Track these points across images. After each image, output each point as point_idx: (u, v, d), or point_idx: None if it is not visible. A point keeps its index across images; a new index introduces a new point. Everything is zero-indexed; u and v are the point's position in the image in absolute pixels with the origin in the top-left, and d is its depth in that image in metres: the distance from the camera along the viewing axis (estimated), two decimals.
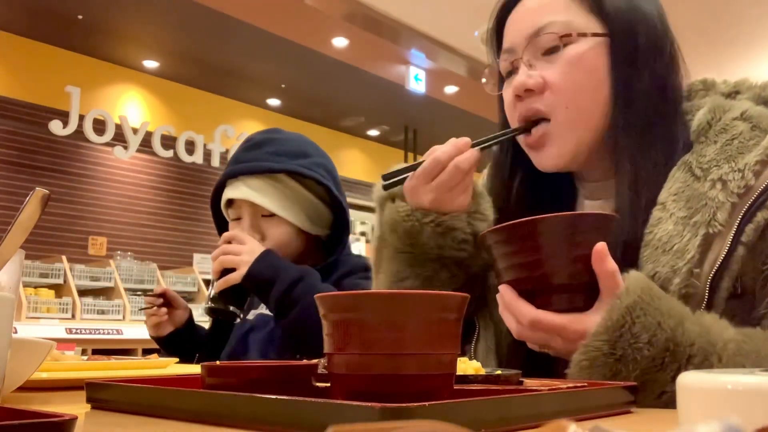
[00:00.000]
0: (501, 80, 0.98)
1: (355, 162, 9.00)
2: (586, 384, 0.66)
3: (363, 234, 8.15)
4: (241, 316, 1.52)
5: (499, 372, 0.72)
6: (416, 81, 6.92)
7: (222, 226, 1.66)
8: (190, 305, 1.80)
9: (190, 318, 1.74)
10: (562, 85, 0.88)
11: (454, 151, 0.88)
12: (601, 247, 0.72)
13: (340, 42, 6.26)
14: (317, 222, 1.59)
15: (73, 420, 0.41)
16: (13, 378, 0.68)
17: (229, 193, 1.56)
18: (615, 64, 0.87)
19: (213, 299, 1.47)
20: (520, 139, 0.94)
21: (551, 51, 0.89)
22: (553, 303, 0.74)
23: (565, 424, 0.25)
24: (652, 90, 0.88)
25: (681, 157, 0.85)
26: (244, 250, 1.44)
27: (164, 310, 1.69)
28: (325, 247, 1.62)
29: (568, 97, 0.87)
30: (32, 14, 5.75)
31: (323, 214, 1.59)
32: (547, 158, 0.91)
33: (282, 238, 1.53)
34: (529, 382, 0.70)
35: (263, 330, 1.55)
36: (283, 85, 7.45)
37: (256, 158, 1.55)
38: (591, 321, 0.72)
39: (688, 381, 0.46)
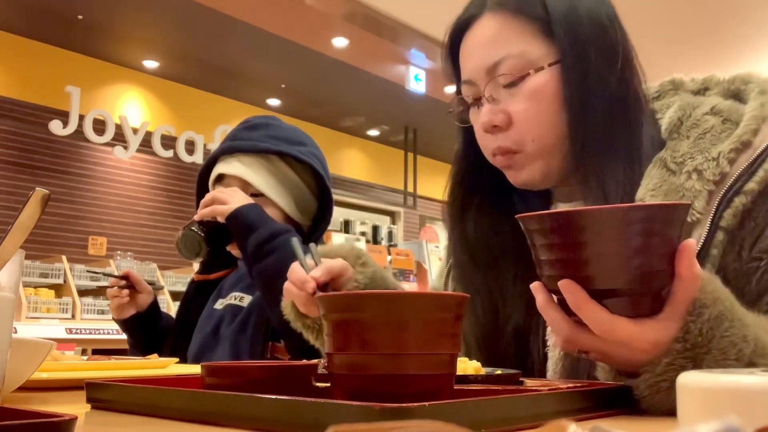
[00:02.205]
0: (465, 105, 0.97)
1: (355, 162, 9.00)
2: (586, 384, 0.66)
3: (363, 234, 8.15)
4: (203, 259, 1.59)
5: (499, 372, 0.72)
6: (416, 81, 6.92)
7: None
8: None
9: (154, 304, 1.74)
10: (526, 119, 0.88)
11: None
12: (689, 246, 0.61)
13: (340, 42, 6.25)
14: (303, 210, 1.61)
15: (73, 420, 0.41)
16: (13, 378, 0.68)
17: (221, 168, 1.58)
18: (567, 88, 0.87)
19: (188, 226, 1.52)
20: (490, 157, 0.94)
21: (511, 84, 0.89)
22: (610, 307, 0.62)
23: (565, 424, 0.25)
24: (610, 105, 0.86)
25: (653, 157, 0.85)
26: (236, 196, 1.48)
27: (126, 292, 1.69)
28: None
29: (532, 130, 0.88)
30: (32, 14, 5.75)
31: (309, 204, 1.62)
32: (518, 178, 0.92)
33: None
34: (529, 382, 0.70)
35: (234, 321, 1.56)
36: (283, 85, 7.45)
37: (253, 138, 1.58)
38: (666, 331, 0.61)
39: (688, 381, 0.46)
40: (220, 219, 1.47)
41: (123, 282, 1.70)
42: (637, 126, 0.87)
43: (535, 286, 0.67)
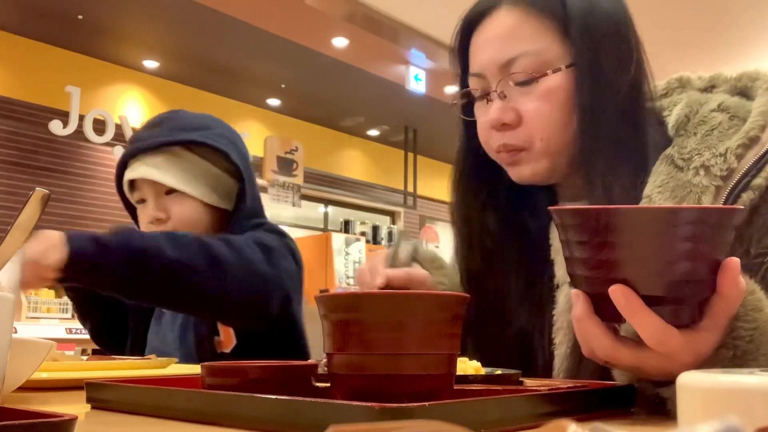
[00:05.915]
0: (470, 99, 0.95)
1: (355, 162, 9.00)
2: (586, 384, 0.66)
3: (363, 234, 8.14)
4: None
5: (499, 372, 0.72)
6: (416, 81, 6.92)
7: (133, 210, 1.55)
8: None
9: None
10: (536, 118, 0.87)
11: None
12: (734, 264, 0.59)
13: (340, 42, 6.26)
14: (224, 195, 1.50)
15: (73, 420, 0.41)
16: (13, 378, 0.68)
17: (128, 174, 1.48)
18: (580, 92, 0.86)
19: None
20: (492, 153, 0.93)
21: (525, 83, 0.88)
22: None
23: (565, 424, 0.25)
24: (621, 110, 0.86)
25: (659, 155, 0.85)
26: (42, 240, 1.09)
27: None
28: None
29: (542, 129, 0.87)
30: (32, 14, 5.75)
31: (229, 186, 1.51)
32: (521, 174, 0.91)
33: (187, 215, 1.45)
34: (529, 382, 0.70)
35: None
36: (283, 85, 7.44)
37: (154, 135, 1.48)
38: (707, 342, 0.60)
39: (688, 381, 0.46)
40: (52, 275, 1.09)
41: None
42: (645, 130, 0.87)
43: (576, 294, 0.63)
